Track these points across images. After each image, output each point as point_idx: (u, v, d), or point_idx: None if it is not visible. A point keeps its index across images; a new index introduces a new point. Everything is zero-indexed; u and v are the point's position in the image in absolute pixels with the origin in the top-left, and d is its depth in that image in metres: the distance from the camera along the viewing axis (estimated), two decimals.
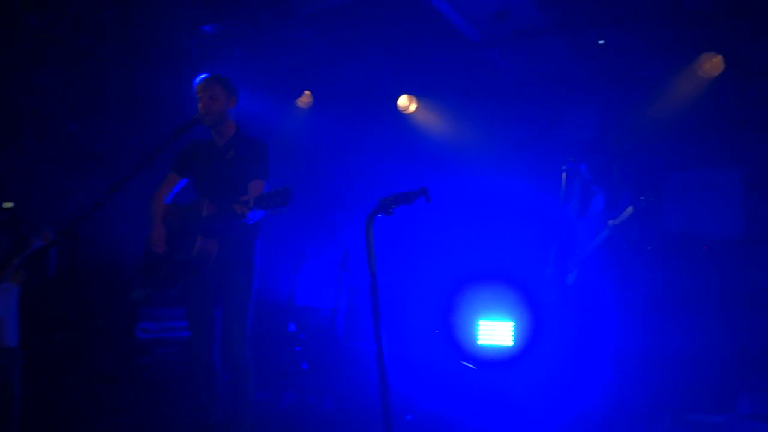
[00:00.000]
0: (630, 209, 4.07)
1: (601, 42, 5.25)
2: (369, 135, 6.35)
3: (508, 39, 5.32)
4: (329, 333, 4.70)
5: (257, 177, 3.12)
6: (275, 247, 4.54)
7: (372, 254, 2.11)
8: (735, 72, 5.12)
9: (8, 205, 4.95)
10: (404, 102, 6.28)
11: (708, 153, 5.52)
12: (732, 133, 5.37)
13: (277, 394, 4.42)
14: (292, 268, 5.15)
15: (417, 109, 6.30)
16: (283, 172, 3.50)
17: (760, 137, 5.26)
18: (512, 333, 5.36)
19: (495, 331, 5.46)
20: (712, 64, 5.15)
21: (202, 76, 3.26)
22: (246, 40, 5.46)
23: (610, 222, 4.16)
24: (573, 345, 4.20)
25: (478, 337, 5.49)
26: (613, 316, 4.22)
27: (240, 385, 3.04)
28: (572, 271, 4.40)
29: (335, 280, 4.70)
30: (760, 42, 4.96)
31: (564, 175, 4.47)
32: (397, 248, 5.68)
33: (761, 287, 4.83)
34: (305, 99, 6.29)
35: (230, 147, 3.21)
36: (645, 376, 4.27)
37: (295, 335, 4.72)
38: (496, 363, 5.04)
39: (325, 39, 5.32)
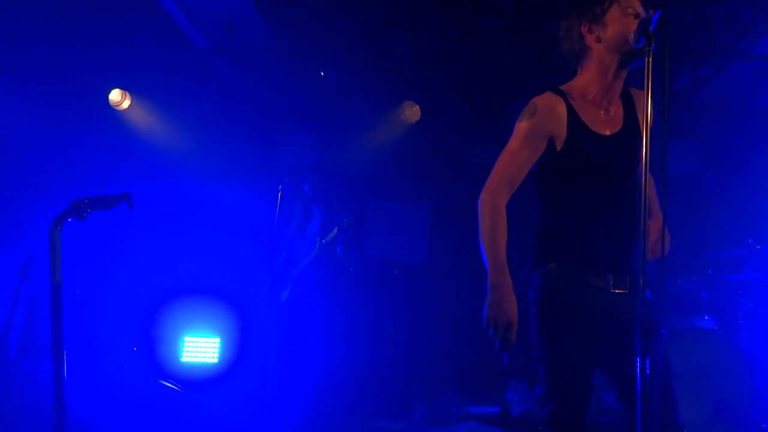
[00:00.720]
0: (335, 230, 4.39)
1: (323, 74, 5.60)
2: (72, 126, 5.60)
3: (237, 52, 5.31)
4: None
5: None
6: None
7: (57, 261, 1.88)
8: (429, 121, 5.97)
9: None
10: (117, 97, 5.73)
11: (404, 188, 6.30)
12: (423, 174, 6.25)
13: None
14: None
15: (131, 106, 5.80)
16: None
17: (443, 179, 6.21)
18: (217, 350, 5.24)
19: (201, 348, 5.27)
20: (412, 112, 5.93)
21: None
22: None
23: (320, 241, 4.41)
24: (281, 360, 4.29)
25: (183, 354, 5.23)
26: (319, 332, 4.45)
27: None
28: (286, 289, 4.53)
29: (11, 289, 3.97)
30: (449, 98, 5.90)
31: (280, 195, 4.59)
32: (93, 256, 5.09)
33: (438, 305, 5.67)
34: None
35: None
36: (343, 388, 4.59)
37: None
38: (201, 381, 4.85)
39: (26, 10, 4.56)
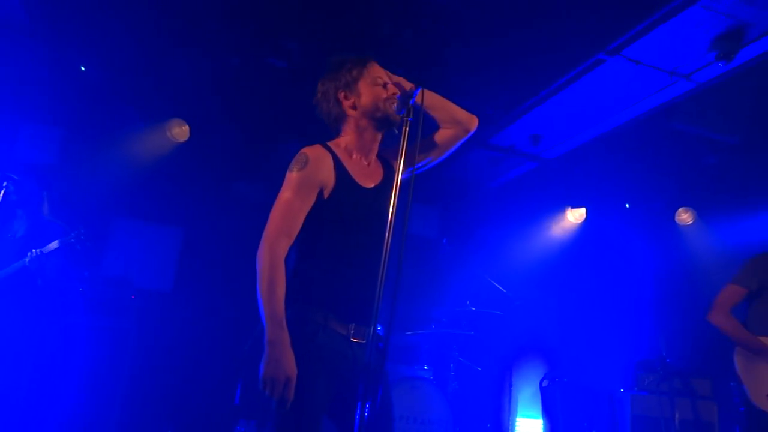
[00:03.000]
0: (56, 243, 3.99)
1: (83, 69, 5.05)
2: None
3: None
4: None
5: None
6: None
7: None
8: (198, 144, 5.72)
9: None
10: None
11: (158, 208, 5.87)
12: (182, 196, 5.92)
13: None
14: None
15: None
16: None
17: (202, 205, 5.97)
18: None
19: None
20: (181, 131, 5.64)
21: None
22: None
23: (34, 251, 3.93)
24: None
25: None
26: (21, 359, 3.87)
27: None
28: None
29: None
30: (223, 125, 5.75)
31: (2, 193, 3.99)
32: None
33: (175, 337, 5.30)
34: None
35: None
36: (45, 424, 4.00)
37: None
38: None
39: None
